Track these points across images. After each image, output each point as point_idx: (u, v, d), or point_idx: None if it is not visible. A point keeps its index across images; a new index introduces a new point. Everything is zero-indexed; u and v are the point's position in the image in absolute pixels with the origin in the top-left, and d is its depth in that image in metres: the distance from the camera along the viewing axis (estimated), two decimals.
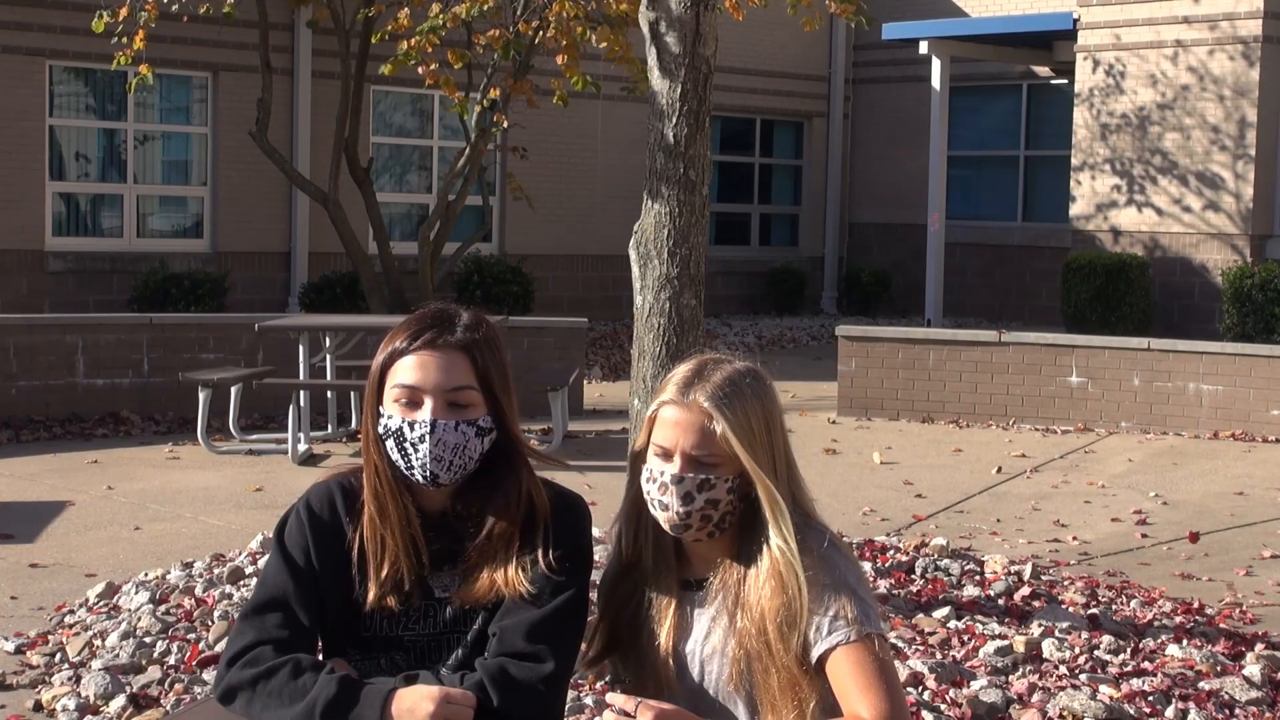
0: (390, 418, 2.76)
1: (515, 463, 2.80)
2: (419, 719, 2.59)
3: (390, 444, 2.76)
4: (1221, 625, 5.92)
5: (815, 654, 2.62)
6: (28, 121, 15.04)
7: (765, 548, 2.68)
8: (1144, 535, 7.94)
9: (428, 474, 2.74)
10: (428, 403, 2.73)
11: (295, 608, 2.78)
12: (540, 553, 2.77)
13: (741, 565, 2.72)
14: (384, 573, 2.78)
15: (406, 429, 2.73)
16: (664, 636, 2.77)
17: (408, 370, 2.75)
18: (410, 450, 2.74)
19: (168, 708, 4.82)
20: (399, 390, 2.75)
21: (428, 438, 2.72)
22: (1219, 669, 5.17)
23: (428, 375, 2.74)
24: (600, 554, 6.11)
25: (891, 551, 6.77)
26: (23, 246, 15.06)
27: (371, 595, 2.78)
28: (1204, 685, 4.98)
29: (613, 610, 2.85)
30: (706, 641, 2.74)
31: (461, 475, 2.77)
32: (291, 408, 9.87)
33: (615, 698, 2.58)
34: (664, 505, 2.70)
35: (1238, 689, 4.96)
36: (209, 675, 4.98)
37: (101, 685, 4.93)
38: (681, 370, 2.75)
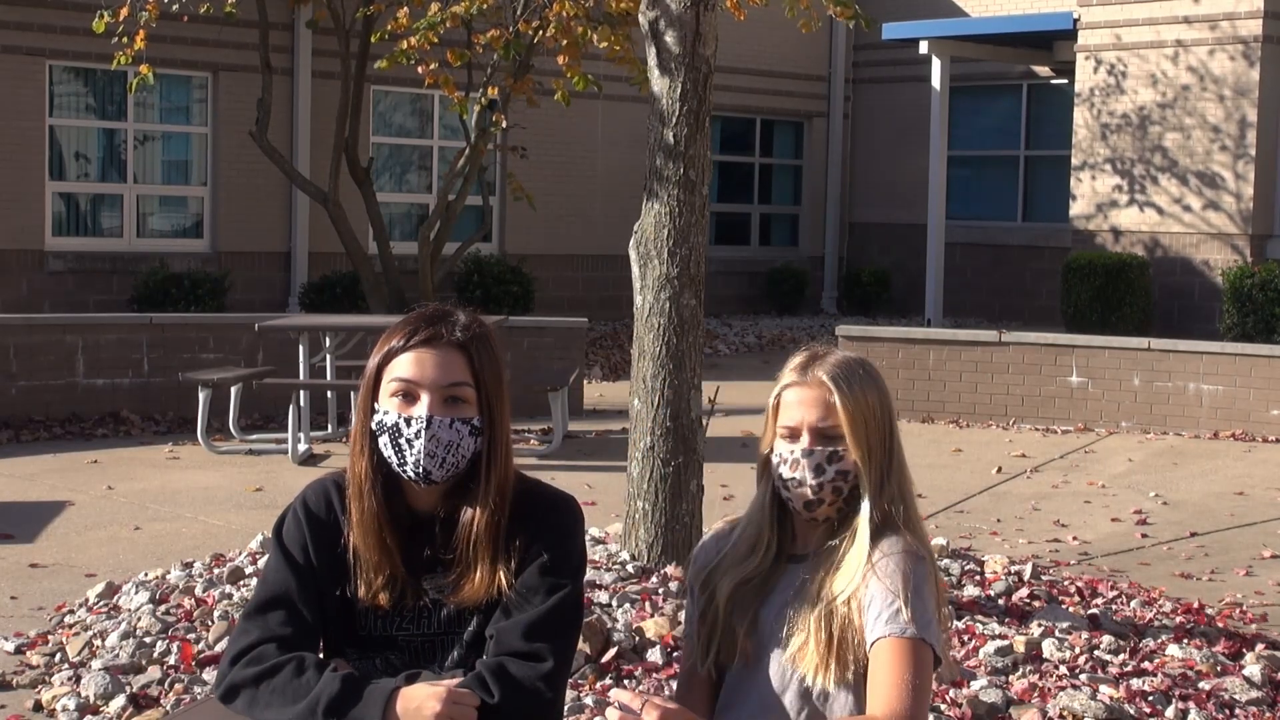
0: (386, 413, 2.77)
1: (506, 465, 2.81)
2: (424, 717, 2.60)
3: (384, 440, 2.77)
4: (1221, 625, 5.92)
5: (870, 639, 2.67)
6: (28, 121, 15.03)
7: (852, 522, 2.77)
8: (1144, 535, 7.94)
9: (420, 470, 2.74)
10: (424, 398, 2.74)
11: (297, 605, 2.79)
12: (533, 554, 2.78)
13: (833, 537, 2.79)
14: (372, 571, 2.78)
15: (402, 424, 2.74)
16: (752, 608, 2.81)
17: (405, 365, 2.77)
18: (404, 446, 2.75)
19: (168, 708, 4.82)
20: (396, 384, 2.76)
21: (423, 433, 2.73)
22: (1219, 669, 5.17)
23: (424, 371, 2.75)
24: (600, 554, 6.11)
25: None
26: (23, 246, 15.06)
27: (362, 593, 2.79)
28: (1204, 685, 4.98)
29: (723, 601, 2.85)
30: (787, 606, 2.78)
31: (453, 474, 2.77)
32: (291, 408, 9.87)
33: (620, 694, 2.59)
34: (797, 482, 2.77)
35: (1238, 689, 4.96)
36: (209, 675, 4.98)
37: (101, 685, 4.93)
38: (796, 358, 2.86)
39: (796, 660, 2.73)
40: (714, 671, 2.85)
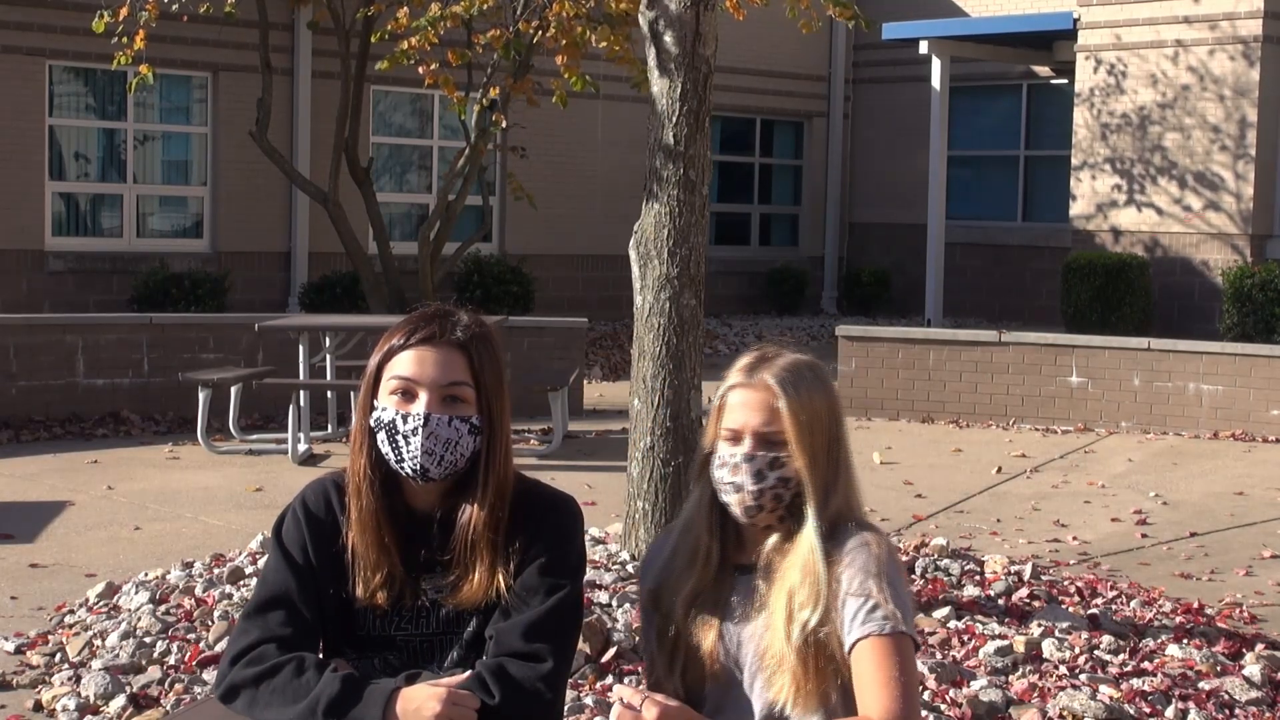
0: (384, 410, 2.77)
1: (505, 465, 2.81)
2: (424, 718, 2.60)
3: (382, 436, 2.77)
4: (1221, 625, 5.92)
5: (849, 641, 2.63)
6: (28, 121, 15.03)
7: (800, 534, 2.71)
8: (1144, 535, 7.94)
9: (418, 467, 2.75)
10: (423, 396, 2.75)
11: (297, 605, 2.79)
12: (532, 554, 2.78)
13: (781, 549, 2.74)
14: (371, 570, 2.79)
15: (399, 421, 2.75)
16: (715, 621, 2.77)
17: (405, 363, 2.77)
18: (402, 443, 2.75)
19: (168, 708, 4.82)
20: (395, 382, 2.76)
21: (420, 430, 2.73)
22: (1219, 669, 5.17)
23: (424, 370, 2.76)
24: (600, 554, 6.11)
25: None
26: (23, 246, 15.06)
27: (360, 592, 2.79)
28: (1204, 685, 4.98)
29: (680, 619, 2.80)
30: (749, 624, 2.74)
31: (452, 472, 2.77)
32: (291, 408, 9.88)
33: (623, 690, 2.59)
34: (736, 487, 2.71)
35: (1238, 689, 4.96)
36: (209, 675, 4.98)
37: (101, 685, 4.93)
38: (745, 358, 2.80)
39: (775, 692, 2.68)
40: (680, 688, 2.79)
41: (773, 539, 2.75)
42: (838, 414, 2.76)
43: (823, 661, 2.65)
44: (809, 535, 2.69)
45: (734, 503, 2.72)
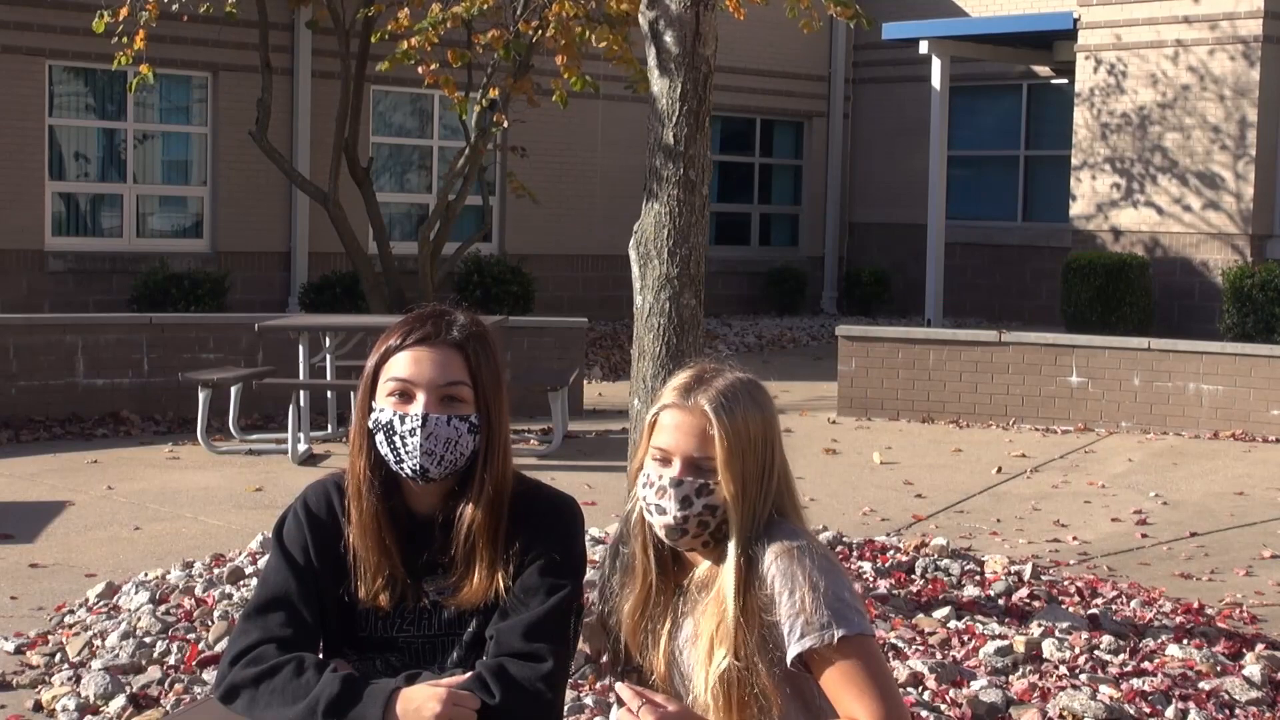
0: (382, 411, 2.77)
1: (504, 464, 2.81)
2: (424, 718, 2.60)
3: (380, 437, 2.77)
4: (1221, 625, 5.92)
5: (789, 658, 2.60)
6: (28, 121, 15.03)
7: (720, 570, 2.67)
8: (1144, 535, 7.94)
9: (417, 467, 2.74)
10: (420, 397, 2.75)
11: (297, 606, 2.79)
12: (532, 555, 2.78)
13: (706, 581, 2.71)
14: (372, 572, 2.78)
15: (397, 422, 2.74)
16: (663, 642, 2.75)
17: (402, 364, 2.77)
18: (400, 444, 2.74)
19: (168, 708, 4.82)
20: (393, 384, 2.76)
21: (419, 430, 2.73)
22: (1219, 669, 5.17)
23: (422, 370, 2.75)
24: (600, 554, 6.11)
25: (891, 551, 6.77)
26: (23, 246, 15.06)
27: (362, 594, 2.79)
28: (1204, 685, 4.98)
29: (628, 639, 2.80)
30: (695, 646, 2.73)
31: (452, 471, 2.77)
32: (291, 408, 9.88)
33: (623, 691, 2.58)
34: (660, 510, 2.66)
35: (1238, 689, 4.96)
36: (209, 675, 4.98)
37: (101, 685, 4.93)
38: (682, 376, 2.74)
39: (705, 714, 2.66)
40: None
41: (703, 567, 2.72)
42: (773, 438, 2.69)
43: (745, 696, 2.62)
44: (727, 575, 2.63)
45: (657, 525, 2.68)
